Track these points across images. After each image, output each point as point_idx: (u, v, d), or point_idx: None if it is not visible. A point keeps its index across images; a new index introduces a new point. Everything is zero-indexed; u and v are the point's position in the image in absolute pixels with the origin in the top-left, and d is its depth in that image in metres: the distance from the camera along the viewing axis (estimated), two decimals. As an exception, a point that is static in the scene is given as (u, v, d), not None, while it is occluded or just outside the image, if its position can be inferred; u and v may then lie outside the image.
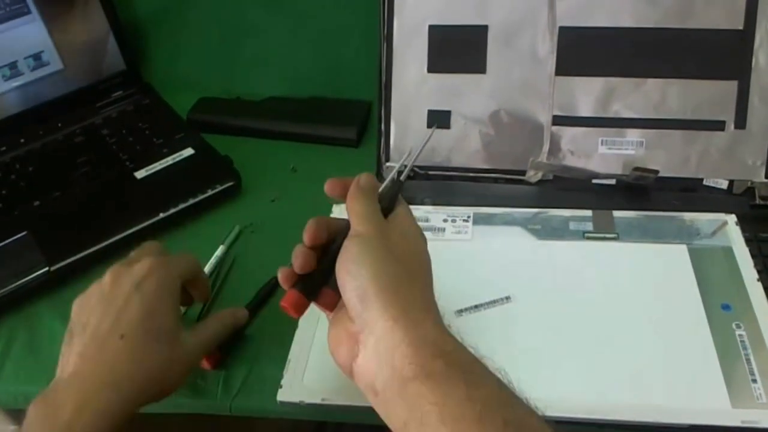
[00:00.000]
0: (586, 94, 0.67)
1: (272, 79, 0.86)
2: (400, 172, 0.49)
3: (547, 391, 0.42)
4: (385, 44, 0.70)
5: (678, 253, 0.60)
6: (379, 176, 0.70)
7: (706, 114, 0.66)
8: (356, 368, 0.43)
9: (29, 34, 0.78)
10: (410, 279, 0.44)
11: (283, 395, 0.53)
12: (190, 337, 0.51)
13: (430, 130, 0.52)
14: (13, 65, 0.78)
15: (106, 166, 0.75)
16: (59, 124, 0.80)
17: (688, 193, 0.66)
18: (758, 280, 0.57)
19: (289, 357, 0.55)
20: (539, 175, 0.69)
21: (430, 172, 0.70)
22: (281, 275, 0.47)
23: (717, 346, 0.52)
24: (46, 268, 0.64)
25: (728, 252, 0.59)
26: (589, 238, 0.62)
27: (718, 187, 0.66)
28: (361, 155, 0.76)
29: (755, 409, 0.48)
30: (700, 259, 0.59)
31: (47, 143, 0.79)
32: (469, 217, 0.65)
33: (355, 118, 0.79)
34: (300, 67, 0.85)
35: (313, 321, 0.56)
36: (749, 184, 0.66)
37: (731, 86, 0.65)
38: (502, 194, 0.69)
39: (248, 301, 0.61)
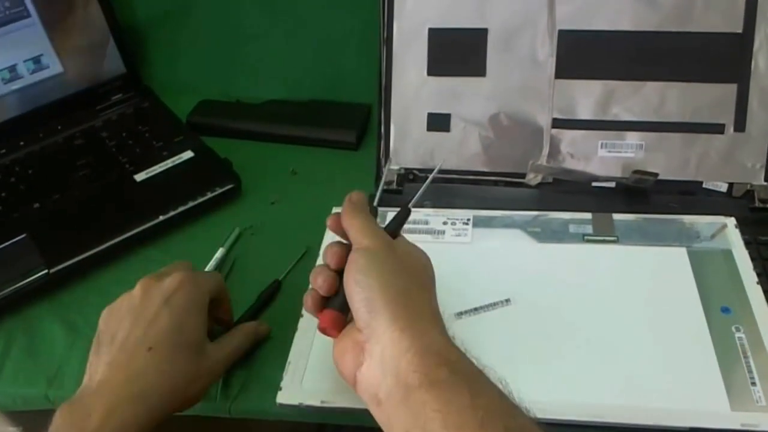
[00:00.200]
0: (586, 97, 0.67)
1: (272, 82, 0.86)
2: (408, 201, 0.51)
3: (547, 394, 0.42)
4: (384, 47, 0.70)
5: (677, 256, 0.60)
6: (378, 177, 0.70)
7: (705, 117, 0.66)
8: (360, 377, 0.43)
9: (29, 37, 0.78)
10: (417, 291, 0.45)
11: (282, 397, 0.53)
12: (215, 350, 0.52)
13: (437, 166, 0.54)
14: (12, 68, 0.78)
15: (105, 168, 0.75)
16: (59, 127, 0.80)
17: (688, 196, 0.66)
18: (758, 283, 0.56)
19: (289, 359, 0.55)
20: (539, 178, 0.69)
21: (430, 175, 0.70)
22: (310, 302, 0.48)
23: (716, 349, 0.52)
24: (46, 271, 0.64)
25: (728, 255, 0.59)
26: (588, 241, 0.62)
27: (718, 190, 0.66)
28: (361, 158, 0.76)
29: (755, 412, 0.48)
30: (699, 262, 0.59)
31: (47, 146, 0.79)
32: (468, 219, 0.65)
33: (355, 121, 0.79)
34: (300, 70, 0.85)
35: (313, 324, 0.56)
36: (749, 187, 0.66)
37: (731, 89, 0.65)
38: (502, 197, 0.69)
39: (249, 303, 0.61)
